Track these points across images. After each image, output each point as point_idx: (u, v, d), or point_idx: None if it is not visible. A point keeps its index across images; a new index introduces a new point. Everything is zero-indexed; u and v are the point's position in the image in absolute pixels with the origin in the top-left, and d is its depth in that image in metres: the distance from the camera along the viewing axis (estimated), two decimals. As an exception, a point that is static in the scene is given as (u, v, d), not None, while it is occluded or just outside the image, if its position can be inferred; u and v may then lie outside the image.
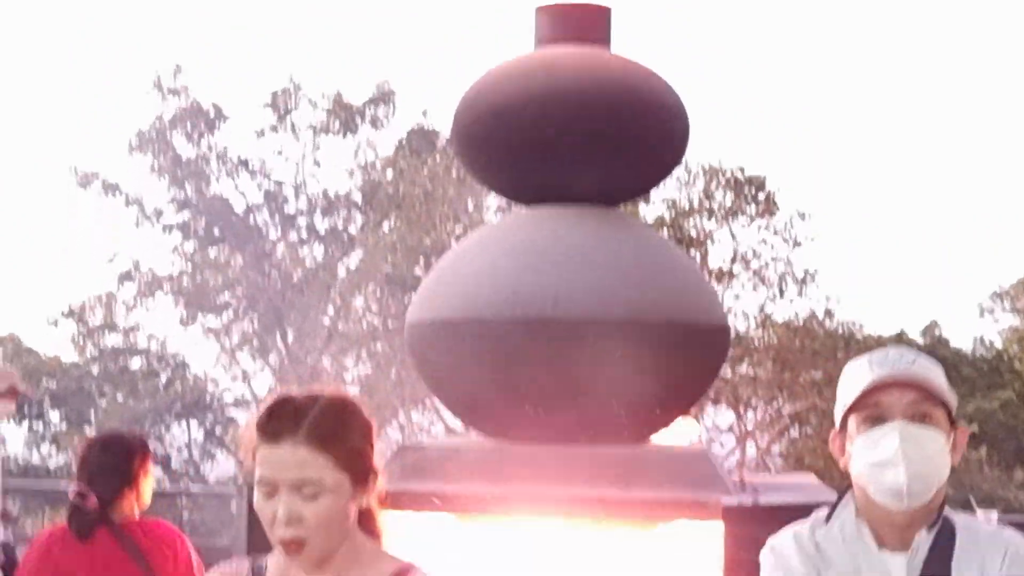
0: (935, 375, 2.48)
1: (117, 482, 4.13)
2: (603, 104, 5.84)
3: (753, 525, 5.07)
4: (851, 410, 2.49)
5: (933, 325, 25.30)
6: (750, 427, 20.66)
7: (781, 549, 2.58)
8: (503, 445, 5.78)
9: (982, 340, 28.17)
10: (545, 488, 5.45)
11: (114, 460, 4.17)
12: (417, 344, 6.06)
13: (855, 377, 2.51)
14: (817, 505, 5.24)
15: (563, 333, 5.57)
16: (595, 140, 5.84)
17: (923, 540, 2.46)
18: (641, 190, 6.63)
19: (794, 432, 20.73)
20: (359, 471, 2.35)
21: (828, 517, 2.58)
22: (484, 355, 5.68)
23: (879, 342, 22.51)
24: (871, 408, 2.45)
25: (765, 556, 2.59)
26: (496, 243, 5.98)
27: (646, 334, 5.62)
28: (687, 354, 5.75)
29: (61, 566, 4.01)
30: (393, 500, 5.43)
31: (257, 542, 5.05)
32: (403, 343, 18.83)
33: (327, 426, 2.32)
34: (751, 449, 20.69)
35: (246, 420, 2.41)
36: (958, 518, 2.55)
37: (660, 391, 5.74)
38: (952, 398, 2.48)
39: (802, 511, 5.15)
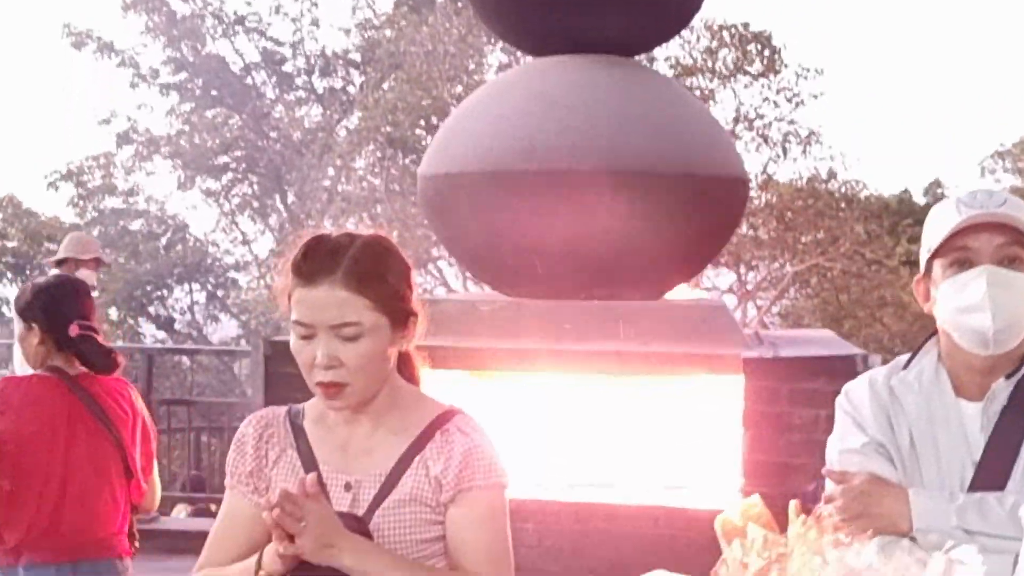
0: (1012, 214, 2.37)
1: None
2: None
3: (773, 378, 5.05)
4: (937, 253, 2.39)
5: (935, 183, 25.12)
6: (751, 288, 20.65)
7: (855, 395, 2.48)
8: (519, 300, 5.71)
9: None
10: (563, 344, 5.40)
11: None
12: (431, 197, 5.96)
13: (941, 219, 2.39)
14: (838, 358, 5.25)
15: (581, 185, 5.46)
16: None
17: (1001, 388, 2.38)
18: (658, 40, 6.46)
19: (794, 292, 20.71)
20: (398, 312, 2.26)
21: (908, 363, 2.50)
22: (500, 208, 5.58)
23: (881, 201, 22.40)
24: (958, 251, 2.34)
25: (840, 402, 2.51)
26: (511, 94, 5.83)
27: (662, 186, 5.52)
28: (705, 206, 5.66)
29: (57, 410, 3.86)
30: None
31: (274, 399, 5.02)
32: (404, 204, 18.66)
33: (365, 266, 2.21)
34: (751, 310, 20.72)
35: (278, 266, 2.30)
36: None
37: (678, 244, 5.66)
38: None
39: (822, 363, 5.15)
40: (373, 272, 2.23)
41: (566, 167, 5.45)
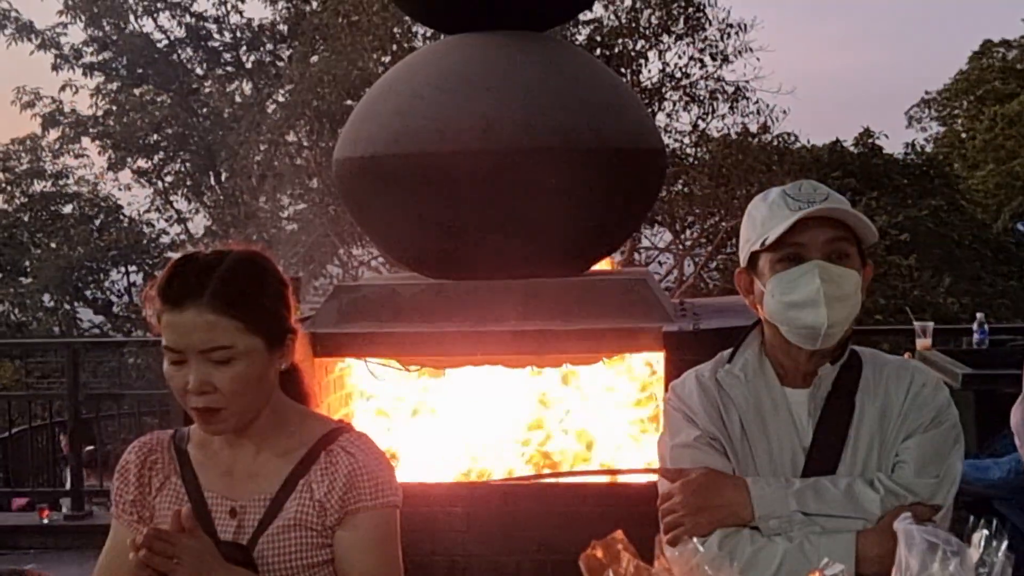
0: (852, 211, 2.39)
1: None
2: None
3: (692, 351, 5.03)
4: (762, 249, 2.39)
5: (866, 133, 25.23)
6: (688, 245, 20.73)
7: (683, 391, 2.51)
8: (439, 283, 5.66)
9: (913, 146, 28.25)
10: (485, 325, 5.36)
11: None
12: (346, 181, 5.88)
13: (768, 213, 2.40)
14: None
15: (494, 164, 5.40)
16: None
17: (827, 373, 2.42)
18: (568, 14, 6.39)
19: (731, 248, 20.80)
20: (274, 332, 2.20)
21: (731, 356, 2.51)
22: (414, 191, 5.51)
23: (813, 152, 22.52)
24: (789, 247, 2.36)
25: (668, 399, 2.53)
26: (421, 73, 5.75)
27: (578, 161, 5.47)
28: (621, 180, 5.61)
29: None
30: (331, 344, 5.37)
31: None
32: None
33: (235, 287, 2.14)
34: (689, 267, 20.80)
35: (148, 284, 2.23)
36: (865, 352, 2.50)
37: (597, 219, 5.62)
38: (868, 233, 2.40)
39: (740, 334, 5.15)
40: (244, 292, 2.16)
41: (479, 147, 5.39)
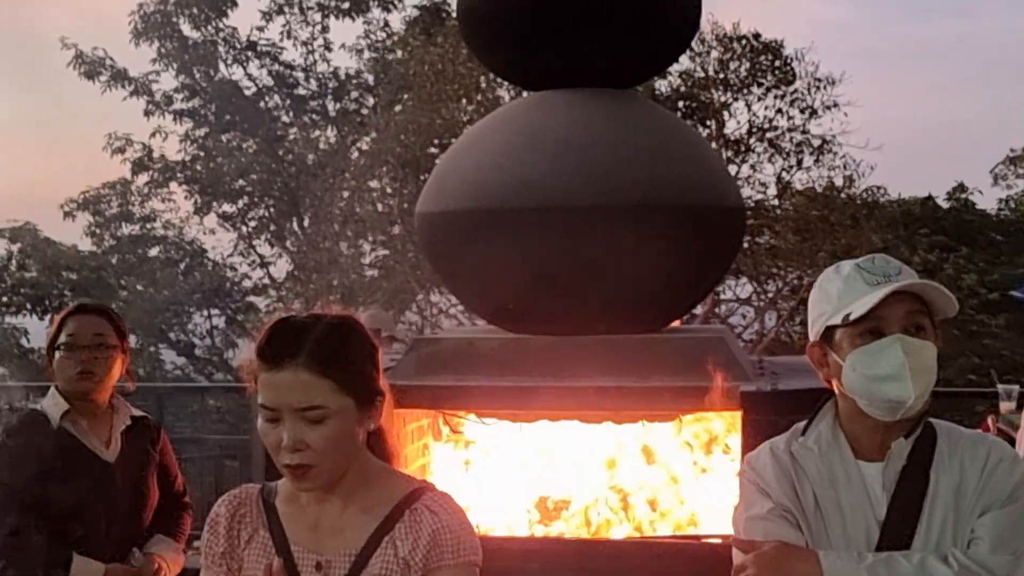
0: (934, 284, 2.41)
1: None
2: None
3: (771, 411, 5.02)
4: (840, 323, 2.41)
5: (959, 187, 24.86)
6: (770, 298, 20.59)
7: (757, 463, 2.54)
8: (518, 337, 5.70)
9: (1007, 202, 27.78)
10: (563, 380, 5.39)
11: None
12: (427, 235, 5.97)
13: (845, 288, 2.42)
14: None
15: (574, 221, 5.45)
16: (604, 19, 5.65)
17: (901, 447, 2.43)
18: (652, 71, 6.44)
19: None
20: (364, 393, 2.29)
21: (805, 429, 2.54)
22: (493, 246, 5.57)
23: (903, 206, 22.26)
24: (868, 320, 2.38)
25: (743, 471, 2.56)
26: (504, 130, 5.83)
27: (659, 219, 5.50)
28: (701, 238, 5.63)
29: None
30: (409, 395, 5.43)
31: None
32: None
33: (329, 348, 2.24)
34: (770, 321, 20.65)
35: (245, 348, 2.33)
36: (940, 424, 2.51)
37: (677, 276, 5.64)
38: (948, 306, 2.41)
39: (821, 395, 5.12)
40: (337, 354, 2.25)
41: (560, 203, 5.44)
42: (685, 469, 5.68)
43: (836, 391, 2.48)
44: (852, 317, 2.37)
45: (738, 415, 5.18)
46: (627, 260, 5.46)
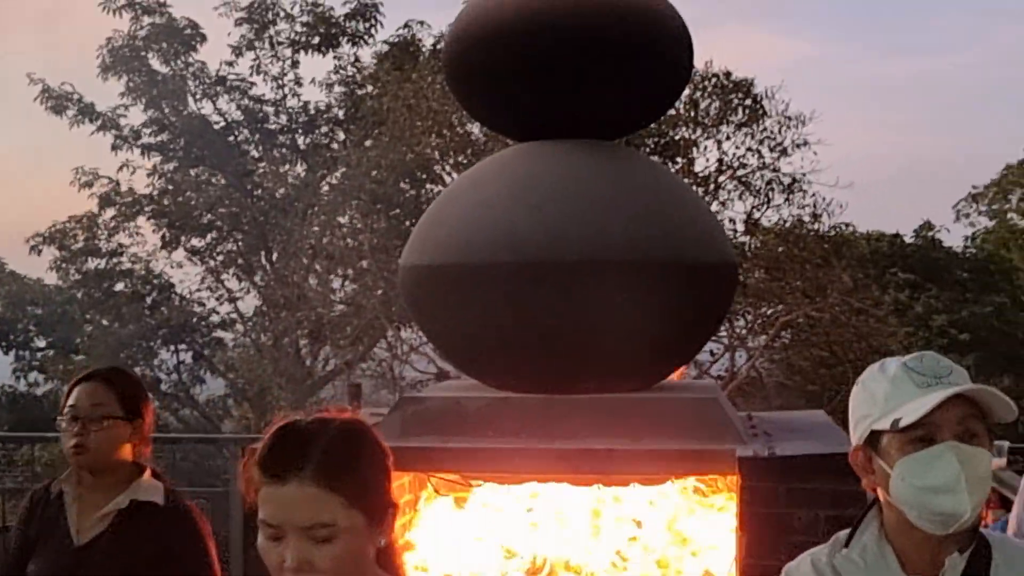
0: (986, 388, 2.23)
1: None
2: (601, 31, 5.51)
3: (769, 477, 4.88)
4: (895, 428, 2.25)
5: (926, 225, 24.98)
6: (741, 335, 20.51)
7: (798, 575, 2.36)
8: (505, 395, 5.53)
9: (974, 239, 27.93)
10: (552, 442, 5.23)
11: None
12: (411, 289, 5.79)
13: (892, 389, 2.25)
14: (838, 455, 5.06)
15: (563, 276, 5.29)
16: (593, 70, 5.52)
17: (956, 564, 2.25)
18: (642, 122, 6.31)
19: (783, 339, 20.55)
20: (375, 507, 2.09)
21: (849, 539, 2.36)
22: (480, 301, 5.40)
23: (871, 243, 22.30)
24: (919, 427, 2.21)
25: None
26: (490, 182, 5.67)
27: (650, 275, 5.35)
28: (693, 294, 5.49)
29: None
30: (395, 457, 5.24)
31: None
32: (388, 259, 18.46)
33: (338, 459, 2.04)
34: (740, 358, 20.59)
35: (247, 453, 2.12)
36: (993, 537, 2.34)
37: (668, 334, 5.49)
38: (1005, 411, 2.24)
39: (821, 461, 4.98)
40: (347, 465, 2.05)
41: (548, 258, 5.29)
42: (679, 537, 5.52)
43: (881, 500, 2.32)
44: (903, 423, 2.21)
45: (734, 480, 5.03)
46: (617, 317, 5.31)
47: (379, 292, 19.58)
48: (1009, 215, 31.73)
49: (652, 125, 19.31)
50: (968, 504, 2.18)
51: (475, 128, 19.30)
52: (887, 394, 2.26)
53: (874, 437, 2.29)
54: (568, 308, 5.31)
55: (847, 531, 2.39)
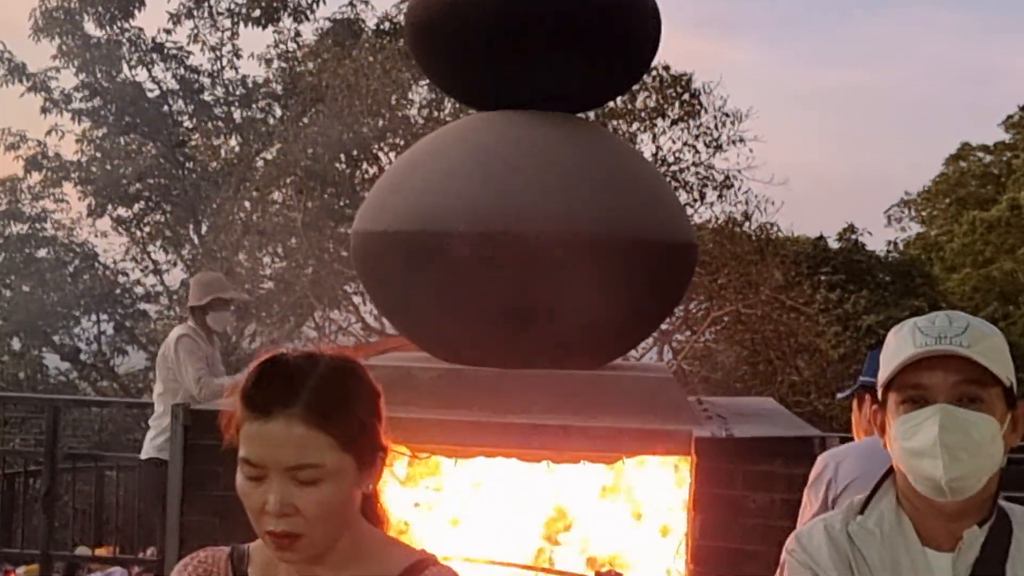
0: (989, 347, 2.13)
1: None
2: (569, 1, 5.42)
3: (725, 459, 4.82)
4: (889, 386, 2.17)
5: (850, 228, 25.22)
6: (667, 329, 20.54)
7: (810, 543, 2.24)
8: (457, 368, 5.41)
9: (896, 244, 28.31)
10: (506, 416, 5.12)
11: None
12: (364, 256, 5.64)
13: (896, 348, 2.17)
14: (795, 439, 5.02)
15: (523, 249, 5.19)
16: (560, 39, 5.41)
17: (974, 537, 2.16)
18: (607, 96, 6.22)
19: (709, 334, 20.62)
20: (366, 450, 1.94)
21: (864, 506, 2.27)
22: (436, 271, 5.28)
23: (796, 243, 22.46)
24: (911, 388, 2.13)
25: (791, 550, 2.26)
26: (451, 150, 5.54)
27: (612, 251, 5.26)
28: (654, 273, 5.41)
29: None
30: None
31: (193, 472, 4.65)
32: (320, 237, 18.22)
33: (330, 397, 1.89)
34: (667, 353, 20.62)
35: (232, 383, 1.98)
36: (1015, 510, 2.24)
37: (627, 312, 5.41)
38: (1009, 372, 2.15)
39: (778, 444, 4.93)
40: (339, 404, 1.90)
41: (509, 229, 5.18)
42: (631, 516, 5.43)
43: (894, 465, 2.23)
44: (882, 381, 2.15)
45: (688, 460, 4.96)
46: (576, 293, 5.21)
47: (309, 271, 19.34)
48: (936, 224, 32.26)
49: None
50: (942, 471, 2.07)
51: (414, 111, 19.11)
52: (892, 353, 2.18)
53: (885, 396, 2.21)
54: (527, 281, 5.21)
55: (862, 496, 2.29)
